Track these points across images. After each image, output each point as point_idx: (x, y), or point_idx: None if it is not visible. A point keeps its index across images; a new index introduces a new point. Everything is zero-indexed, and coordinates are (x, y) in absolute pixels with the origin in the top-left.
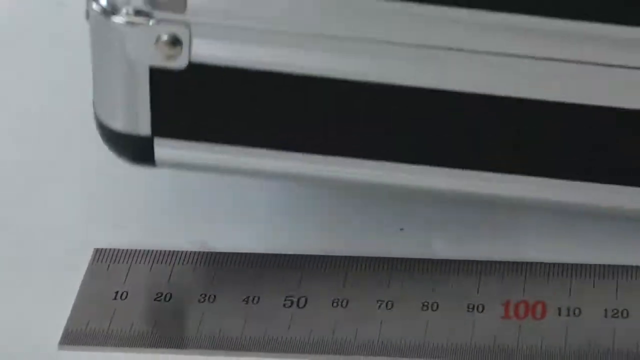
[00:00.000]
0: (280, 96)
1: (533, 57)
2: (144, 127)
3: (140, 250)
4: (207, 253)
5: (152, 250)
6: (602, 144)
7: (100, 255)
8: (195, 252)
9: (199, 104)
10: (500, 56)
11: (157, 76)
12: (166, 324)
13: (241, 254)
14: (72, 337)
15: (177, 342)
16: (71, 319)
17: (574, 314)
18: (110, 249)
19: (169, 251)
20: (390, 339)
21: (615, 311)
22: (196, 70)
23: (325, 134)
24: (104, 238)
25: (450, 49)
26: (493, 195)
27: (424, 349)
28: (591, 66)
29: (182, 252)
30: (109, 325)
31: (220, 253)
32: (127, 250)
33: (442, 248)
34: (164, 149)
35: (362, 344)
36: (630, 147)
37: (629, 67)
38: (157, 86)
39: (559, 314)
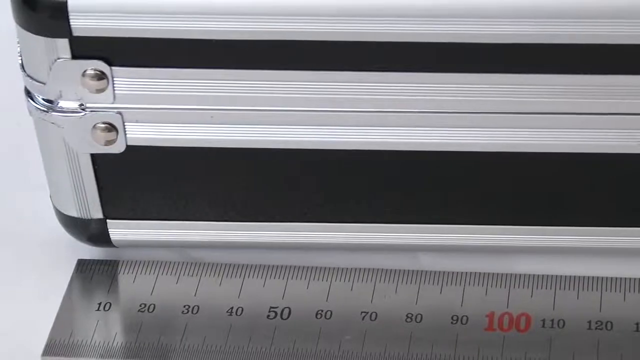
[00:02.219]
0: (214, 169)
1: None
2: (95, 211)
3: (124, 261)
4: (191, 264)
5: (136, 261)
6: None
7: (84, 266)
8: (178, 263)
9: (142, 184)
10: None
11: (100, 162)
12: (149, 335)
13: (224, 265)
14: (55, 348)
15: (160, 353)
16: (54, 329)
17: (558, 325)
18: (93, 260)
19: (153, 262)
20: (374, 351)
21: (599, 323)
22: (135, 152)
23: (262, 201)
24: (87, 249)
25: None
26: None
27: None
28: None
29: (165, 262)
30: (92, 336)
31: (203, 264)
32: (110, 261)
33: (427, 260)
34: (117, 230)
35: (345, 355)
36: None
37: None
38: (101, 171)
39: (543, 326)
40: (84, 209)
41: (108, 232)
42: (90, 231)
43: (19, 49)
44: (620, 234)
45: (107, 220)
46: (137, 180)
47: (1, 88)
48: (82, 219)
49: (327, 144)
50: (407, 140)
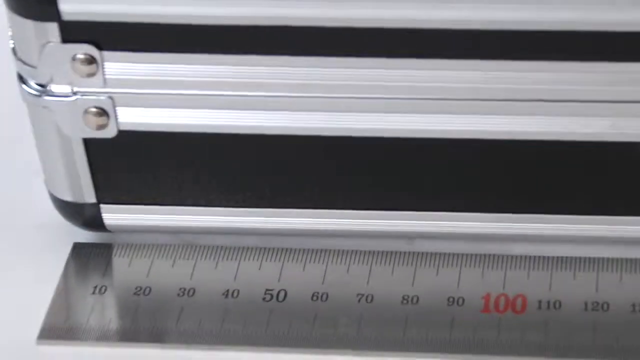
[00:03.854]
0: (206, 154)
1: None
2: (89, 196)
3: (119, 245)
4: (187, 247)
5: (132, 244)
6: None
7: (80, 250)
8: (174, 246)
9: (136, 169)
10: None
11: (92, 146)
12: (145, 318)
13: (220, 247)
14: (50, 332)
15: (156, 337)
16: (49, 313)
17: (555, 307)
18: (89, 243)
19: (148, 245)
20: (370, 333)
21: (595, 304)
22: (127, 137)
23: (255, 186)
24: (83, 233)
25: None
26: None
27: (404, 343)
28: None
29: (161, 245)
30: (88, 320)
31: (199, 247)
32: (106, 244)
33: (423, 242)
34: (111, 214)
35: (342, 338)
36: None
37: None
38: (93, 156)
39: (539, 307)
40: (77, 193)
41: (102, 216)
42: (84, 216)
43: (10, 33)
44: (618, 223)
45: (101, 205)
46: (130, 164)
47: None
48: (76, 203)
49: (320, 130)
50: (403, 127)
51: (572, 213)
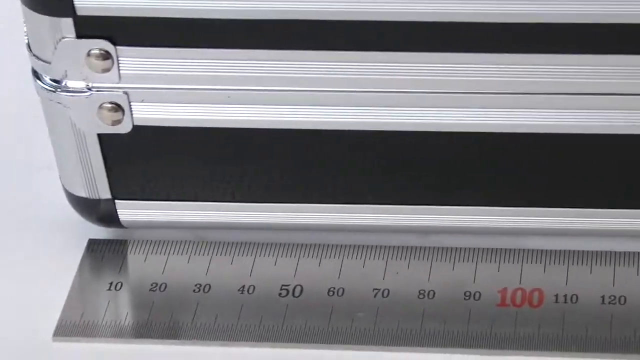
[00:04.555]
0: (220, 150)
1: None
2: (104, 192)
3: (134, 241)
4: (202, 243)
5: (147, 241)
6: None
7: (95, 246)
8: (189, 242)
9: (150, 164)
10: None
11: (107, 142)
12: (161, 314)
13: (236, 243)
14: (66, 329)
15: (171, 333)
16: (65, 310)
17: (571, 300)
18: (104, 240)
19: (164, 241)
20: (387, 328)
21: (612, 298)
22: (142, 132)
23: (271, 182)
24: (98, 229)
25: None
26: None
27: (421, 337)
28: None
29: (176, 242)
30: (104, 316)
31: (214, 243)
32: (121, 240)
33: (439, 236)
34: (126, 210)
35: (358, 333)
36: None
37: None
38: (108, 151)
39: (556, 301)
40: (92, 189)
41: (117, 212)
42: (99, 212)
43: (25, 29)
44: (634, 216)
45: (116, 201)
46: (145, 160)
47: (12, 71)
48: (90, 199)
49: (336, 124)
50: (415, 120)
51: (588, 206)
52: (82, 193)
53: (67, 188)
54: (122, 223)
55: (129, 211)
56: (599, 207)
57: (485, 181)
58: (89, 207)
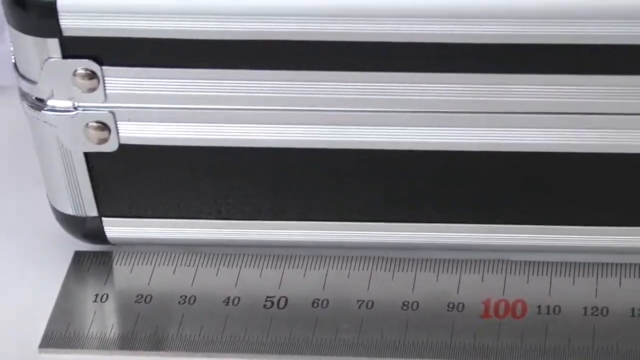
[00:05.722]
0: (206, 168)
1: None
2: (90, 209)
3: (120, 252)
4: (188, 254)
5: (133, 252)
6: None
7: (81, 258)
8: (175, 254)
9: (137, 182)
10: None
11: (94, 160)
12: (146, 326)
13: (221, 254)
14: (52, 340)
15: (157, 344)
16: (51, 321)
17: (554, 312)
18: (90, 252)
19: (150, 252)
20: (371, 339)
21: (594, 309)
22: (128, 151)
23: (256, 199)
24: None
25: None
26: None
27: (405, 348)
28: None
29: (162, 253)
30: (89, 328)
31: (200, 254)
32: (107, 252)
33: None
34: (113, 227)
35: (343, 344)
36: None
37: None
38: (95, 170)
39: (539, 312)
40: (79, 206)
41: (104, 229)
42: (85, 229)
43: (11, 48)
44: (620, 234)
45: (102, 218)
46: (131, 178)
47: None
48: (77, 216)
49: (319, 143)
50: (404, 139)
51: (570, 224)
52: (69, 210)
53: (54, 205)
54: (109, 240)
55: (115, 228)
56: (580, 224)
57: (469, 199)
58: (75, 225)
